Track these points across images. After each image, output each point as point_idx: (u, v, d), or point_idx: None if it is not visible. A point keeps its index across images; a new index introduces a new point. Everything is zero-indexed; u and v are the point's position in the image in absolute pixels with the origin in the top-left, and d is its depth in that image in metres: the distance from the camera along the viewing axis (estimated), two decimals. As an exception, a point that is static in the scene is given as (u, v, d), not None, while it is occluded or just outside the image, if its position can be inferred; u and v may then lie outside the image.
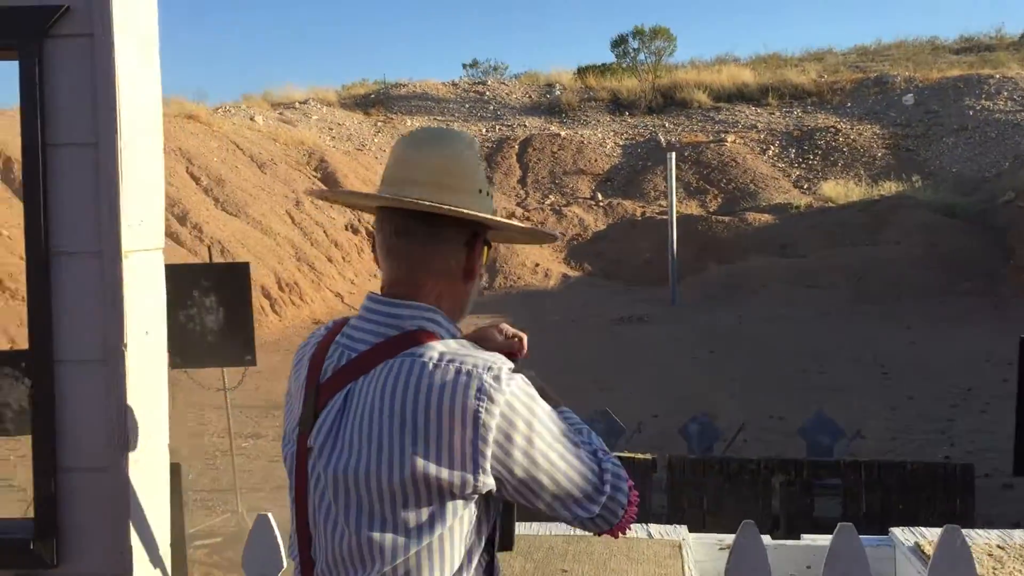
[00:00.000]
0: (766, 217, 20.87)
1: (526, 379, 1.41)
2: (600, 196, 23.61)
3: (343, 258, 18.70)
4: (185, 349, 5.39)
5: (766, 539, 2.67)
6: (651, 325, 15.44)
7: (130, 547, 2.12)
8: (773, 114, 28.18)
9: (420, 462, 1.32)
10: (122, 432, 2.10)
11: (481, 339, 1.94)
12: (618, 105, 29.25)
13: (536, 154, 25.81)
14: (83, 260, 2.08)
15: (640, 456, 5.87)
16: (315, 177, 21.74)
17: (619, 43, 31.85)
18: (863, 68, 31.86)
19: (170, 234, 15.48)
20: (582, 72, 31.90)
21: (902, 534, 2.65)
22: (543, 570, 2.41)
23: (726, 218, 21.00)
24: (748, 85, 29.63)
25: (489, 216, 1.49)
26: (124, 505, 2.12)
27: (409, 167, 1.49)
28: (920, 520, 5.43)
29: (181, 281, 5.44)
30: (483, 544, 1.43)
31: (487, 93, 30.59)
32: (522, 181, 24.82)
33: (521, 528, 2.72)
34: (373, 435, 1.36)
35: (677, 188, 23.09)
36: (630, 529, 1.54)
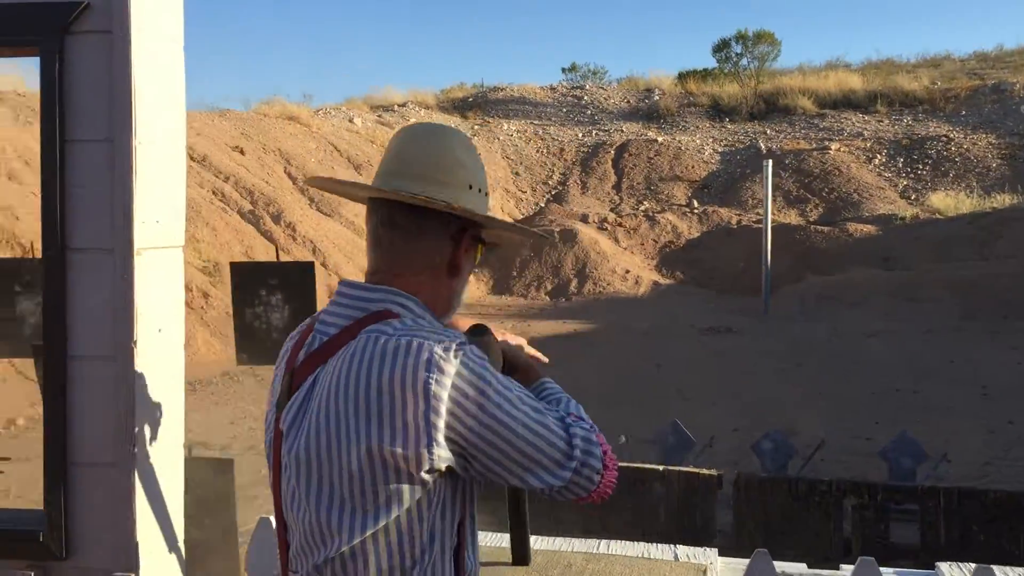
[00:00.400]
0: (868, 228, 20.18)
1: (478, 350, 1.39)
2: (696, 203, 23.23)
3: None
4: (251, 346, 5.48)
5: (797, 567, 2.53)
6: (740, 336, 15.08)
7: (136, 544, 2.12)
8: (882, 122, 27.26)
9: (375, 439, 1.31)
10: (130, 429, 2.11)
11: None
12: (718, 111, 28.75)
13: (632, 159, 25.57)
14: (96, 256, 2.09)
15: (704, 472, 5.71)
16: (410, 179, 21.99)
17: (721, 48, 31.30)
18: (981, 75, 30.56)
19: (263, 232, 15.88)
20: (683, 77, 31.48)
21: (949, 570, 2.48)
22: (555, 589, 2.33)
23: (826, 228, 20.38)
24: (856, 91, 28.73)
25: (467, 209, 1.48)
26: (131, 501, 2.12)
27: (400, 160, 1.51)
28: (1004, 553, 5.13)
29: (248, 279, 5.53)
30: (451, 530, 1.40)
31: (585, 98, 30.47)
32: (616, 187, 24.62)
33: (542, 543, 2.64)
34: (331, 414, 1.36)
35: (776, 196, 22.55)
36: (607, 497, 1.48)
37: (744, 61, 31.25)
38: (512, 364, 1.68)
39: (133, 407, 2.11)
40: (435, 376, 1.31)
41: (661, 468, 5.77)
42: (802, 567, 2.55)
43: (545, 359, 1.92)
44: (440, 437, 1.31)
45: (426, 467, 1.32)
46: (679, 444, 6.45)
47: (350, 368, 1.36)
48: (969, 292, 16.67)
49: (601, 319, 16.30)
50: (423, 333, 1.37)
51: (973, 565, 2.52)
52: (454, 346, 1.35)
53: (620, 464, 5.84)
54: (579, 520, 5.78)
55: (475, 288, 19.43)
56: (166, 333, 2.23)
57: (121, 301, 2.08)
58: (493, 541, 2.67)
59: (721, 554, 4.51)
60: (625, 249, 20.80)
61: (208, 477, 4.64)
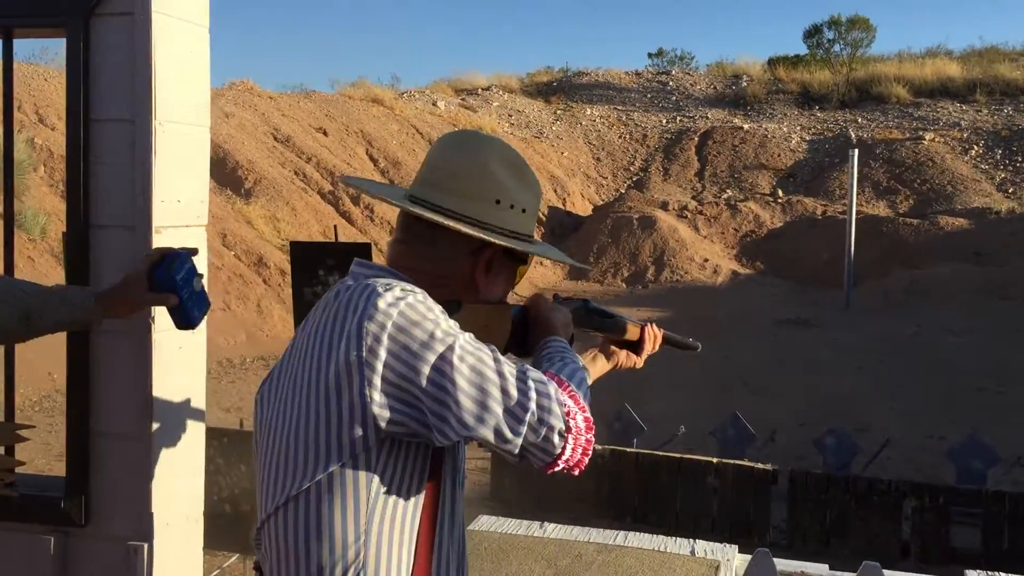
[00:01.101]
0: (960, 221, 19.46)
1: (431, 300, 1.33)
2: (780, 192, 22.74)
3: (511, 244, 18.91)
4: (309, 324, 5.58)
5: (819, 567, 2.46)
6: (818, 329, 14.73)
7: (151, 514, 2.18)
8: (980, 112, 26.22)
9: (314, 370, 1.30)
10: (148, 402, 2.17)
11: None
12: (808, 98, 28.05)
13: (716, 147, 25.16)
14: (117, 234, 2.15)
15: (759, 466, 5.60)
16: (490, 163, 22.06)
17: (813, 33, 30.49)
18: (1090, 63, 29.13)
19: (342, 213, 16.14)
20: (772, 63, 30.79)
21: (977, 580, 2.38)
22: (564, 578, 2.32)
23: (915, 221, 19.73)
24: (954, 80, 27.69)
25: (477, 221, 1.42)
26: (148, 472, 2.18)
27: (432, 168, 1.48)
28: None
29: (307, 258, 5.62)
30: (407, 505, 1.33)
31: (670, 83, 30.07)
32: (699, 174, 24.26)
33: (557, 532, 2.63)
34: (293, 351, 1.38)
35: (865, 187, 21.92)
36: (582, 466, 1.39)
37: (837, 47, 30.41)
38: (535, 317, 1.61)
39: (151, 381, 2.17)
40: (370, 312, 1.27)
41: (715, 461, 5.69)
42: (823, 568, 2.48)
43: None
44: (376, 379, 1.26)
45: (359, 411, 1.27)
46: (738, 437, 6.34)
47: (313, 313, 1.39)
48: (1065, 290, 15.96)
49: (677, 307, 16.11)
50: (384, 279, 1.35)
51: (1004, 574, 2.43)
52: (402, 292, 1.31)
53: (674, 455, 5.76)
54: (628, 509, 5.74)
55: (551, 273, 19.41)
56: (187, 310, 2.28)
57: (140, 278, 2.13)
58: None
59: (773, 551, 4.42)
60: (705, 237, 20.50)
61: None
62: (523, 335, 1.59)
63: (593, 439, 1.38)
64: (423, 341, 1.28)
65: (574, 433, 1.33)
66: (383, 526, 1.31)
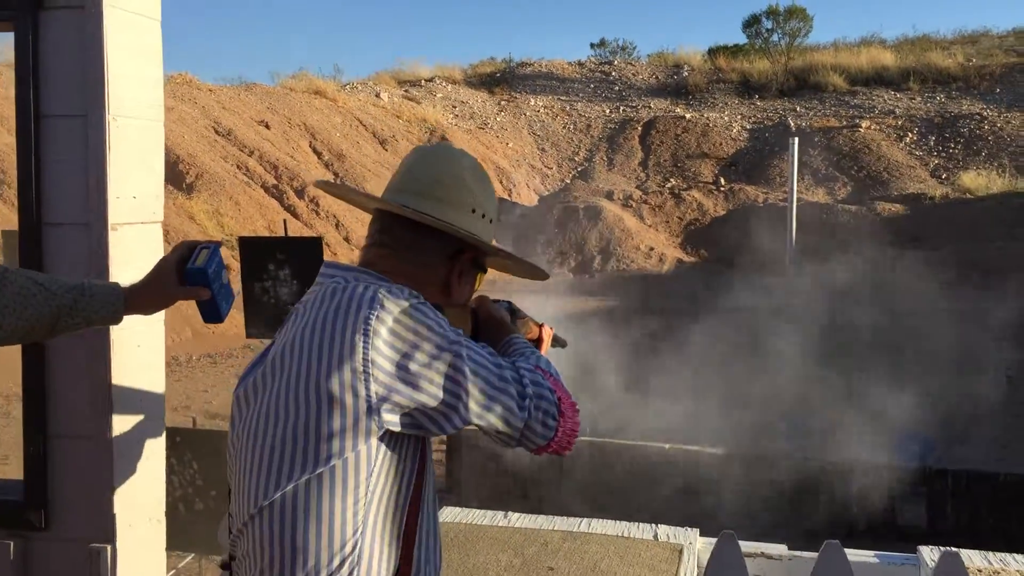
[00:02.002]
0: (897, 207, 19.93)
1: (423, 301, 1.38)
2: (723, 181, 23.04)
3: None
4: (260, 320, 5.51)
5: (778, 548, 2.51)
6: (764, 315, 14.95)
7: (114, 515, 2.15)
8: (914, 99, 26.83)
9: (315, 372, 1.31)
10: (106, 402, 2.13)
11: None
12: (748, 87, 28.41)
13: (659, 136, 25.38)
14: (71, 231, 2.11)
15: (710, 450, 5.69)
16: (435, 155, 22.00)
17: (752, 23, 30.89)
18: (1019, 52, 29.93)
19: (287, 207, 15.96)
20: (713, 53, 31.11)
21: (929, 553, 2.46)
22: (530, 566, 2.34)
23: (853, 207, 20.14)
24: (888, 68, 28.26)
25: (463, 230, 1.49)
26: (108, 473, 2.15)
27: (408, 177, 1.54)
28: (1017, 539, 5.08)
29: (257, 253, 5.55)
30: (399, 497, 1.36)
31: (613, 73, 30.24)
32: (643, 164, 24.46)
33: (521, 521, 2.65)
34: (284, 350, 1.37)
35: (804, 175, 22.30)
36: (570, 447, 1.48)
37: (775, 37, 30.84)
38: (486, 319, 1.70)
39: (109, 381, 2.14)
40: (376, 312, 1.32)
41: (667, 446, 5.77)
42: (782, 548, 2.54)
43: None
44: (383, 376, 1.30)
45: (363, 408, 1.30)
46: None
47: (304, 310, 1.39)
48: (996, 273, 16.43)
49: (624, 296, 16.25)
50: (375, 282, 1.39)
51: (948, 549, 2.50)
52: (401, 294, 1.36)
53: (627, 441, 5.81)
54: (586, 498, 5.79)
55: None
56: (144, 308, 2.25)
57: (96, 276, 2.10)
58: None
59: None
60: (650, 226, 20.69)
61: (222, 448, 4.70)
62: (475, 336, 1.69)
63: (579, 422, 1.48)
64: (432, 339, 1.33)
65: (565, 416, 1.44)
66: (378, 518, 1.34)
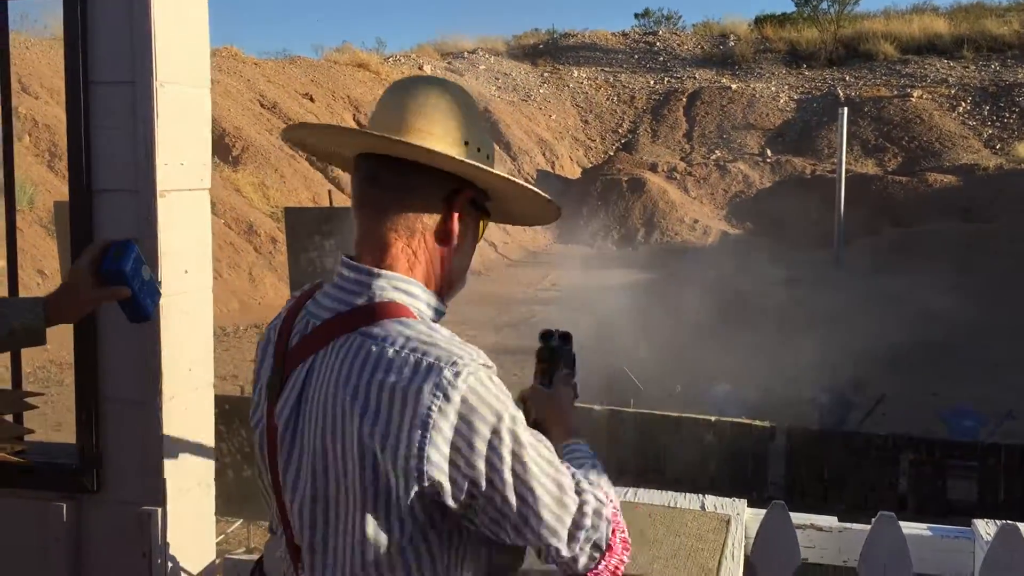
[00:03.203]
0: (949, 178, 19.51)
1: (495, 378, 1.24)
2: (769, 152, 22.71)
3: (500, 208, 18.87)
4: (306, 290, 5.58)
5: (828, 520, 2.47)
6: (810, 287, 14.78)
7: (164, 480, 2.18)
8: (967, 68, 26.19)
9: (368, 444, 1.20)
10: (155, 368, 2.15)
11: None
12: (795, 57, 27.92)
13: (704, 107, 25.07)
14: (120, 198, 2.12)
15: (758, 423, 5.65)
16: (478, 127, 21.96)
17: (800, -9, 30.29)
18: (1078, 17, 29.05)
19: (331, 179, 16.04)
20: (759, 22, 30.60)
21: (985, 527, 2.40)
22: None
23: (904, 178, 19.77)
24: (941, 36, 27.62)
25: (455, 157, 1.30)
26: (159, 438, 2.17)
27: (388, 113, 1.35)
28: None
29: (303, 224, 5.60)
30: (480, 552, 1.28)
31: (657, 44, 29.87)
32: (688, 135, 24.19)
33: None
34: (328, 414, 1.25)
35: (854, 146, 21.91)
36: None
37: (824, 5, 30.22)
38: (539, 411, 1.55)
39: (159, 347, 2.15)
40: (439, 404, 1.17)
41: (713, 419, 5.73)
42: (832, 520, 2.49)
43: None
44: (433, 472, 1.18)
45: (413, 491, 1.19)
46: (728, 399, 6.39)
47: (350, 374, 1.23)
48: (1053, 245, 16.05)
49: (668, 269, 16.14)
50: (434, 349, 1.22)
51: (1006, 522, 2.45)
52: (466, 369, 1.20)
53: (672, 414, 5.79)
54: (630, 467, 5.78)
55: (541, 236, 19.39)
56: (192, 274, 2.26)
57: (145, 242, 2.11)
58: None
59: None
60: (694, 199, 20.50)
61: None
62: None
63: (627, 561, 1.34)
64: (492, 440, 1.20)
65: (613, 552, 1.31)
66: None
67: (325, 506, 1.27)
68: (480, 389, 1.19)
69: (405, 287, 1.31)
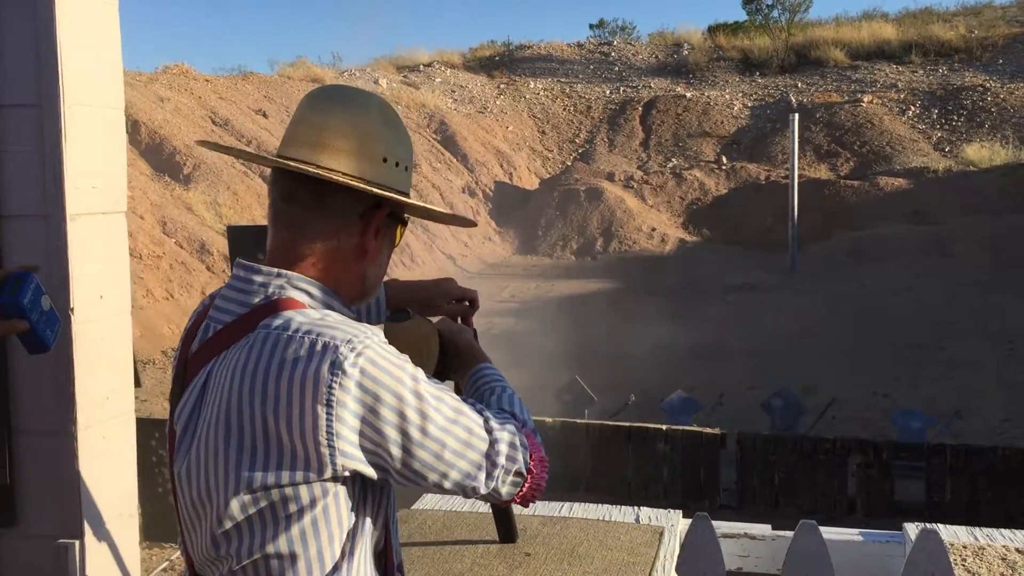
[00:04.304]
0: (900, 182, 19.78)
1: (389, 346, 1.25)
2: (724, 159, 22.90)
3: (458, 221, 18.83)
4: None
5: (761, 528, 2.48)
6: (765, 293, 14.92)
7: (80, 512, 2.13)
8: (916, 72, 26.61)
9: (270, 427, 1.20)
10: (70, 396, 2.10)
11: (425, 305, 1.85)
12: (748, 65, 28.21)
13: (660, 116, 25.23)
14: (29, 223, 2.07)
15: (708, 431, 5.66)
16: (435, 139, 21.91)
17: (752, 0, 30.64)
18: (1023, 22, 29.66)
19: (286, 196, 15.90)
20: (712, 31, 30.90)
21: (915, 530, 2.42)
22: (507, 551, 2.31)
23: (856, 183, 20.02)
24: (890, 42, 28.03)
25: (372, 182, 1.31)
26: (75, 469, 2.12)
27: (303, 126, 1.34)
28: (1013, 512, 5.04)
29: (245, 242, 5.51)
30: (373, 533, 1.30)
31: (612, 54, 30.06)
32: (644, 144, 24.33)
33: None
34: (222, 416, 1.24)
35: (807, 151, 22.15)
36: (534, 500, 1.38)
37: (775, 13, 30.60)
38: (453, 346, 1.58)
39: (73, 376, 2.11)
40: (339, 380, 1.18)
41: (664, 427, 5.73)
42: (766, 528, 2.50)
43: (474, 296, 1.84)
44: (344, 445, 1.20)
45: (328, 474, 1.21)
46: (683, 408, 6.40)
47: (246, 367, 1.23)
48: (1001, 246, 16.33)
49: (626, 278, 16.21)
50: (328, 330, 1.22)
51: (942, 526, 2.46)
52: (360, 345, 1.21)
53: (623, 424, 5.78)
54: (584, 478, 5.77)
55: (500, 248, 19.38)
56: (108, 299, 2.21)
57: (56, 267, 2.06)
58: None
59: (724, 513, 4.46)
60: (651, 207, 20.60)
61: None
62: (441, 359, 1.58)
63: (547, 477, 1.37)
64: (398, 406, 1.22)
65: (533, 475, 1.34)
66: (356, 556, 1.28)
67: (203, 505, 1.27)
68: (378, 360, 1.21)
69: (305, 287, 1.31)
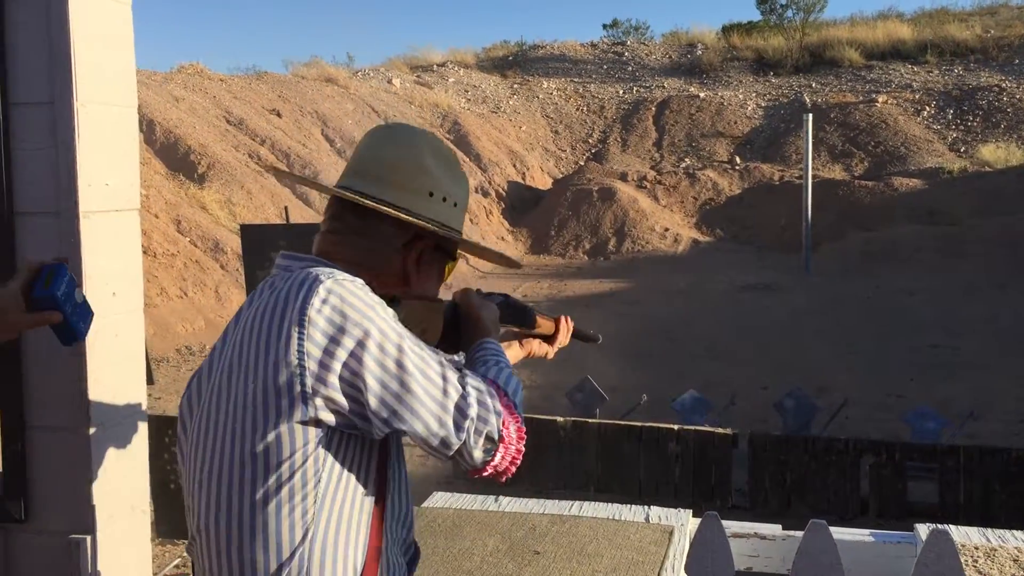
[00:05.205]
0: (915, 182, 19.69)
1: (368, 289, 1.32)
2: (738, 159, 22.85)
3: (471, 220, 18.84)
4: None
5: (771, 528, 2.47)
6: (779, 294, 14.86)
7: (92, 507, 2.14)
8: (931, 72, 26.48)
9: (252, 362, 1.27)
10: (83, 393, 2.11)
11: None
12: (762, 65, 28.15)
13: (673, 116, 25.19)
14: (43, 221, 2.09)
15: (720, 431, 5.65)
16: (448, 139, 21.93)
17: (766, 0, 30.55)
18: (1039, 22, 29.45)
19: (299, 195, 15.97)
20: (726, 31, 30.82)
21: (926, 531, 2.40)
22: (516, 550, 2.31)
23: (870, 183, 19.93)
24: (905, 42, 27.91)
25: (413, 215, 1.41)
26: (87, 465, 2.13)
27: (363, 159, 1.47)
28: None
29: (258, 240, 5.54)
30: (356, 497, 1.31)
31: (626, 54, 30.03)
32: (657, 144, 24.30)
33: (512, 505, 2.62)
34: (226, 345, 1.35)
35: (821, 151, 22.07)
36: (510, 474, 1.39)
37: (790, 13, 30.50)
38: (465, 315, 1.61)
39: (86, 372, 2.12)
40: (313, 300, 1.25)
41: (676, 427, 5.72)
42: (776, 528, 2.49)
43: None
44: (312, 365, 1.24)
45: (300, 412, 1.24)
46: (695, 407, 6.39)
47: (258, 303, 1.33)
48: (1017, 246, 16.23)
49: (638, 278, 16.19)
50: (327, 270, 1.31)
51: (954, 527, 2.45)
52: (340, 278, 1.29)
53: (635, 424, 5.78)
54: (594, 477, 5.77)
55: (513, 248, 19.39)
56: (121, 297, 2.22)
57: (69, 264, 2.07)
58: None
59: (735, 514, 4.44)
60: (664, 207, 20.57)
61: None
62: (454, 331, 1.59)
63: (523, 449, 1.39)
64: (371, 334, 1.26)
65: (506, 443, 1.34)
66: (329, 527, 1.28)
67: (215, 438, 1.31)
68: (357, 291, 1.28)
69: (328, 270, 1.35)
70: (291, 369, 1.24)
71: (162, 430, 4.49)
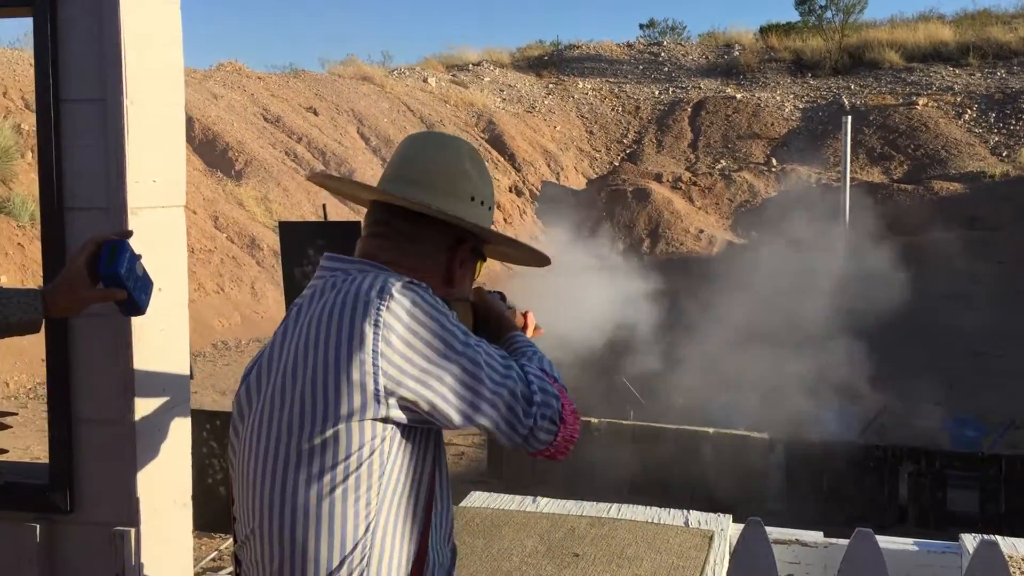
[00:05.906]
0: (955, 186, 19.42)
1: (431, 291, 1.37)
2: (774, 161, 22.66)
3: (505, 219, 18.86)
4: (300, 305, 5.54)
5: (814, 535, 2.44)
6: (813, 298, 14.69)
7: (137, 499, 2.16)
8: (973, 75, 26.07)
9: (321, 360, 1.30)
10: (129, 386, 2.14)
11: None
12: (800, 66, 27.87)
13: (709, 117, 25.03)
14: (92, 216, 2.11)
15: (756, 435, 5.60)
16: (482, 138, 21.96)
17: (804, 0, 30.25)
18: (1083, 24, 28.92)
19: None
20: (764, 32, 30.55)
21: (972, 541, 2.37)
22: (555, 551, 2.30)
23: (909, 187, 19.69)
24: (947, 44, 27.51)
25: (464, 219, 1.47)
26: (132, 457, 2.16)
27: (405, 165, 1.51)
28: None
29: (296, 238, 5.55)
30: (416, 493, 1.35)
31: (662, 54, 29.88)
32: (693, 145, 24.16)
33: (550, 506, 2.61)
34: (286, 344, 1.37)
35: (859, 154, 21.84)
36: (566, 454, 1.47)
37: (829, 14, 30.18)
38: (486, 312, 1.66)
39: (132, 365, 2.14)
40: (387, 303, 1.30)
41: (711, 431, 5.68)
42: (818, 535, 2.46)
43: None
44: (387, 366, 1.28)
45: (372, 410, 1.28)
46: (731, 412, 6.34)
47: (307, 305, 1.38)
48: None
49: (672, 280, 16.10)
50: (393, 276, 1.36)
51: (1000, 538, 2.41)
52: (412, 283, 1.34)
53: (669, 426, 5.76)
54: (627, 480, 5.75)
55: (546, 248, 19.30)
56: (167, 292, 2.24)
57: (117, 260, 2.09)
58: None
59: (771, 519, 4.40)
60: (699, 208, 20.45)
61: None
62: (481, 328, 1.66)
63: (579, 429, 1.48)
64: (445, 336, 1.32)
65: (567, 424, 1.43)
66: (390, 516, 1.31)
67: (268, 438, 1.34)
68: (426, 296, 1.34)
69: (385, 273, 1.39)
70: (364, 368, 1.28)
71: (200, 424, 4.53)
